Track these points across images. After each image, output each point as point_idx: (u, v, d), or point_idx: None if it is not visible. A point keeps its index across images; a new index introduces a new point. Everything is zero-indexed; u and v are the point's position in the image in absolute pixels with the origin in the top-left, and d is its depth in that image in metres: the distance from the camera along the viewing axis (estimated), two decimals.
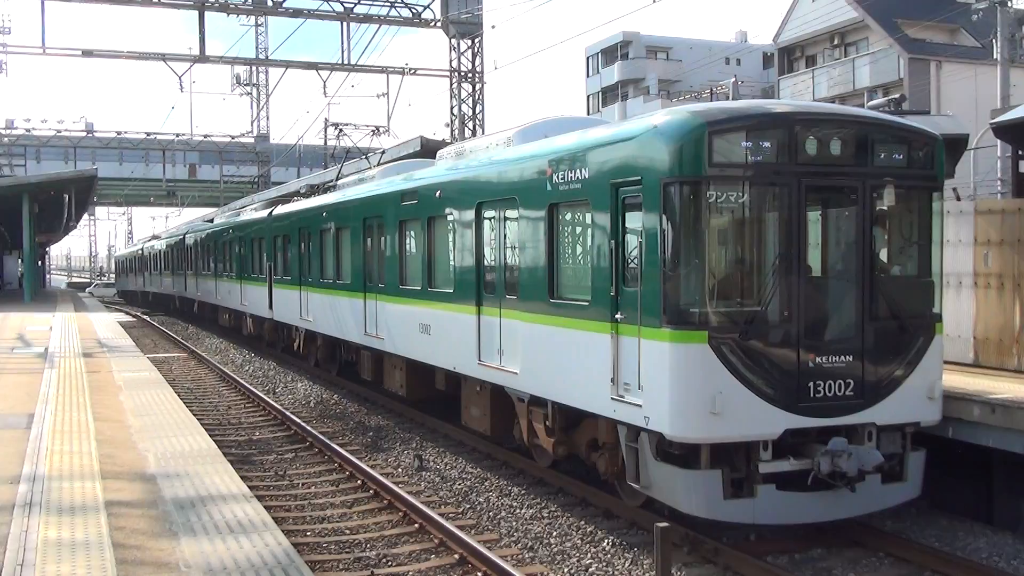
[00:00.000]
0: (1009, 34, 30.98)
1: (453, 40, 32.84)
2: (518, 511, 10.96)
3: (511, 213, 11.72)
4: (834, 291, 9.40)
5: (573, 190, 10.23)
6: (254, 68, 75.15)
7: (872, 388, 9.13)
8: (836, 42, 49.84)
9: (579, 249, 10.64)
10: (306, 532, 10.23)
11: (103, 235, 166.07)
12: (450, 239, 13.51)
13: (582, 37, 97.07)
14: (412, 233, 15.44)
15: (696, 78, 60.64)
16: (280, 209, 25.39)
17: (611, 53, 70.51)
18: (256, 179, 62.01)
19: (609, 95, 70.43)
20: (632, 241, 9.29)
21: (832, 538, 9.53)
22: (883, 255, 9.78)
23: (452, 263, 13.44)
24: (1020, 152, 15.45)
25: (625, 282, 9.35)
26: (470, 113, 33.17)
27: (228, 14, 30.81)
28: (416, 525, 10.33)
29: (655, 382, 8.83)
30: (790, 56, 52.95)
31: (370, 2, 30.84)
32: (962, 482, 10.64)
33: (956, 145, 13.95)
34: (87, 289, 76.70)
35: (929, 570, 8.79)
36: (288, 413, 16.75)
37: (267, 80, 76.88)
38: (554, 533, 10.09)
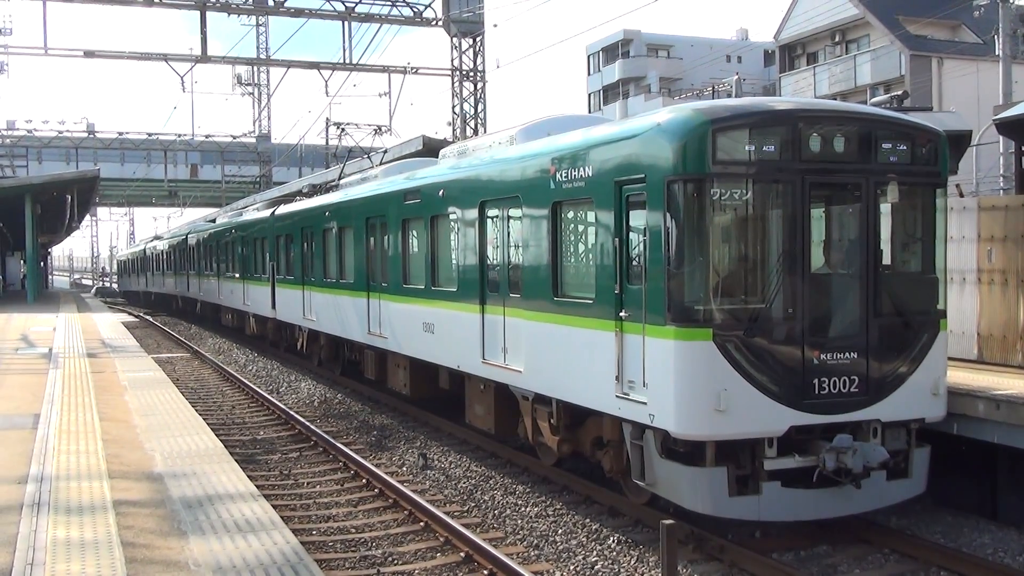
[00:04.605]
0: (1011, 30, 30.92)
1: (455, 39, 32.86)
2: (523, 509, 10.98)
3: (514, 212, 11.73)
4: (838, 288, 9.40)
5: (576, 188, 10.24)
6: (256, 68, 75.18)
7: (877, 385, 9.14)
8: (837, 39, 49.79)
9: (583, 247, 10.65)
10: (312, 531, 10.25)
11: (105, 236, 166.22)
12: (453, 238, 13.53)
13: (583, 36, 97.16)
14: (415, 232, 15.45)
15: (697, 76, 60.62)
16: (282, 209, 25.40)
17: (612, 51, 70.54)
18: (258, 179, 62.06)
19: (610, 93, 70.46)
20: (636, 239, 9.31)
21: (837, 535, 9.54)
22: (887, 251, 9.79)
23: (455, 262, 13.46)
24: (1023, 148, 15.44)
25: (629, 280, 9.36)
26: (472, 112, 33.20)
27: (229, 14, 30.84)
28: (421, 523, 10.35)
29: (660, 379, 8.85)
30: (791, 53, 52.92)
31: (371, 1, 30.89)
32: (967, 478, 10.65)
33: (959, 141, 13.96)
34: (92, 291, 76.48)
35: (934, 566, 8.80)
36: (292, 413, 16.76)
37: (268, 80, 76.94)
38: (559, 531, 10.11)
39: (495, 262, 12.36)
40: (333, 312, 19.80)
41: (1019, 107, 15.18)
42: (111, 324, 29.50)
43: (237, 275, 29.71)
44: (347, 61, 31.47)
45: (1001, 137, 23.13)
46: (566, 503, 11.11)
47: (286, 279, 23.70)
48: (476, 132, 32.20)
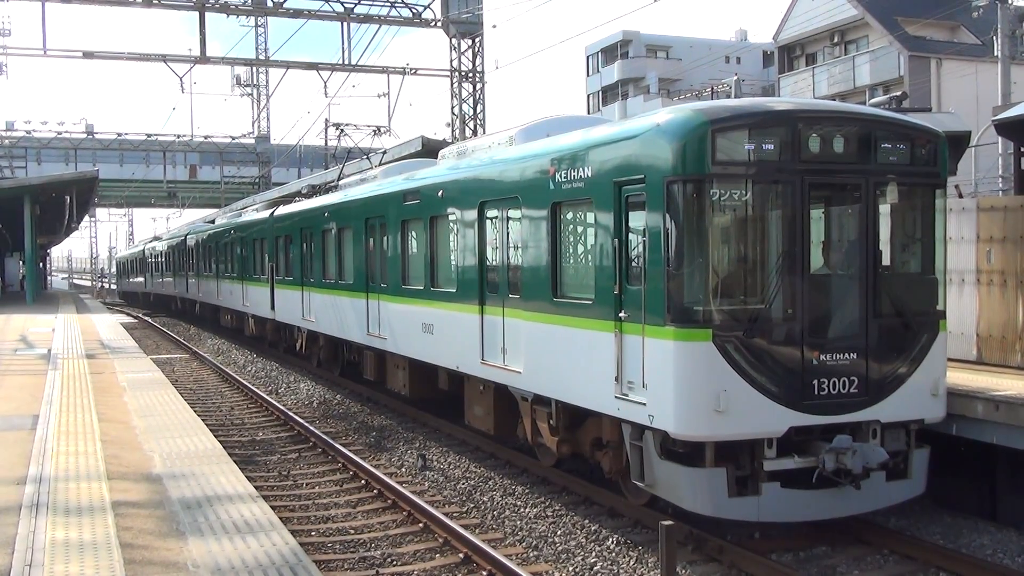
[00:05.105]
0: (1010, 31, 30.95)
1: (453, 40, 32.85)
2: (522, 510, 10.97)
3: (514, 212, 11.73)
4: (838, 288, 9.40)
5: (576, 189, 10.24)
6: (254, 69, 75.15)
7: (876, 385, 9.14)
8: (836, 40, 49.82)
9: (582, 248, 10.65)
10: (311, 532, 10.24)
11: (104, 236, 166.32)
12: (452, 239, 13.52)
13: (582, 36, 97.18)
14: (414, 233, 15.45)
15: (696, 77, 60.63)
16: (282, 210, 25.40)
17: (611, 52, 70.55)
18: (257, 180, 62.04)
19: (609, 94, 70.48)
20: (635, 240, 9.30)
21: (836, 536, 9.54)
22: (887, 252, 9.79)
23: (455, 263, 13.45)
24: (1022, 149, 15.44)
25: (628, 280, 9.36)
26: (471, 113, 33.19)
27: (228, 15, 30.82)
28: (420, 524, 10.34)
29: (659, 380, 8.84)
30: (790, 54, 52.94)
31: (370, 2, 30.87)
32: (966, 479, 10.65)
33: (958, 142, 13.96)
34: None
35: (933, 567, 8.80)
36: (291, 414, 16.76)
37: (267, 81, 76.94)
38: (558, 532, 10.10)
39: (494, 263, 12.35)
40: (332, 313, 19.80)
41: (1018, 108, 15.18)
42: (110, 325, 29.48)
43: (236, 276, 29.70)
44: (346, 62, 31.46)
45: (1000, 138, 23.15)
46: (565, 504, 11.10)
47: (285, 280, 23.69)
48: (475, 133, 32.20)
